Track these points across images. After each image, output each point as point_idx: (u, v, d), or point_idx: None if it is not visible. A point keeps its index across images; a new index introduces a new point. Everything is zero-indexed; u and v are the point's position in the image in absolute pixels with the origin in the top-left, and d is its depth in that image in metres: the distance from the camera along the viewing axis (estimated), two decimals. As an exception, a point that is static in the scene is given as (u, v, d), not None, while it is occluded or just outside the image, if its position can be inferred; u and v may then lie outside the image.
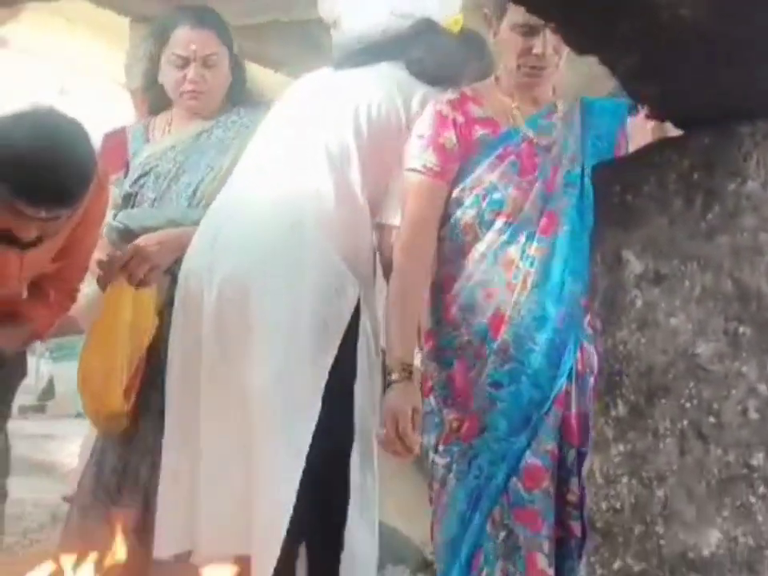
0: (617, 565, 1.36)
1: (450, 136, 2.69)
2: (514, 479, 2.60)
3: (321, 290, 2.71)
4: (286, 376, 2.63)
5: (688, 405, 1.34)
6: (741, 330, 1.33)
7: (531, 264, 2.65)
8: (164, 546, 2.77)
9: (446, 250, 2.71)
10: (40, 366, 8.82)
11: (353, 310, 2.74)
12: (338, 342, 2.69)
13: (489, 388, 2.63)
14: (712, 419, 1.33)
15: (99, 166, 2.89)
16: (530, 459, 2.61)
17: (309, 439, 2.61)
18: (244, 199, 2.84)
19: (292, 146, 2.87)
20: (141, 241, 3.06)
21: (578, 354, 2.66)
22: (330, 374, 2.67)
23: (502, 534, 2.58)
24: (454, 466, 2.61)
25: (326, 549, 2.70)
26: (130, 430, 2.96)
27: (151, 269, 3.00)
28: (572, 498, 2.64)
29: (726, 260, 1.35)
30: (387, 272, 2.80)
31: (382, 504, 2.97)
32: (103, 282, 3.07)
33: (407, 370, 2.58)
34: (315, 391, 2.65)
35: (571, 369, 2.65)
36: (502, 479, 2.60)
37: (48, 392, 8.77)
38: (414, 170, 2.70)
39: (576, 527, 2.62)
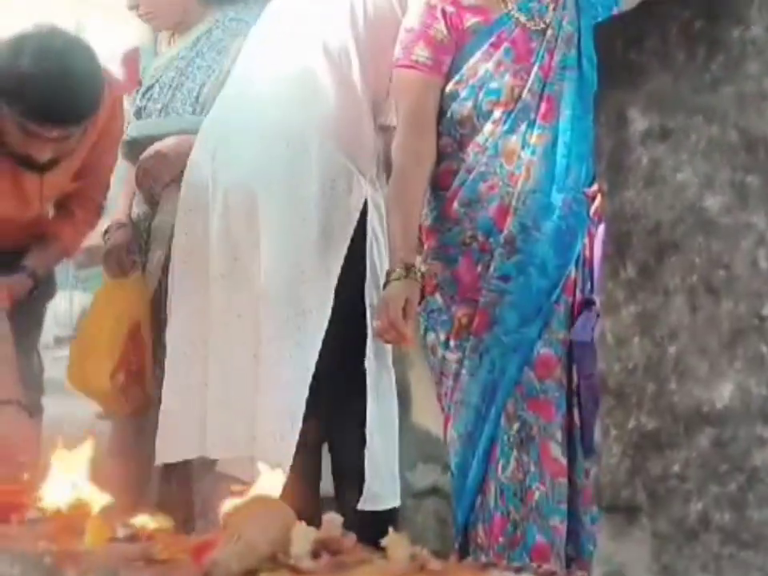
0: (631, 424, 1.35)
1: (440, 27, 2.63)
2: (527, 370, 2.59)
3: (326, 192, 2.68)
4: (296, 279, 2.62)
5: (697, 260, 1.32)
6: (748, 179, 1.30)
7: (533, 152, 2.61)
8: (168, 452, 2.77)
9: (442, 145, 2.67)
10: (73, 297, 8.87)
11: (360, 210, 2.71)
12: (346, 243, 2.68)
13: (497, 281, 2.61)
14: (722, 272, 1.30)
15: (111, 82, 2.88)
16: (542, 349, 2.60)
17: (319, 343, 2.61)
18: (243, 104, 2.80)
19: (290, 47, 2.82)
20: (145, 152, 3.05)
21: (586, 240, 2.64)
22: (341, 274, 2.66)
23: (516, 426, 2.59)
24: (466, 361, 2.61)
25: (348, 448, 2.71)
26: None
27: (154, 179, 2.99)
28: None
29: (731, 110, 1.31)
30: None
31: (413, 405, 2.98)
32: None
33: (408, 269, 2.56)
34: (326, 293, 2.64)
35: (578, 255, 2.62)
36: (515, 371, 2.60)
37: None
38: (405, 65, 2.64)
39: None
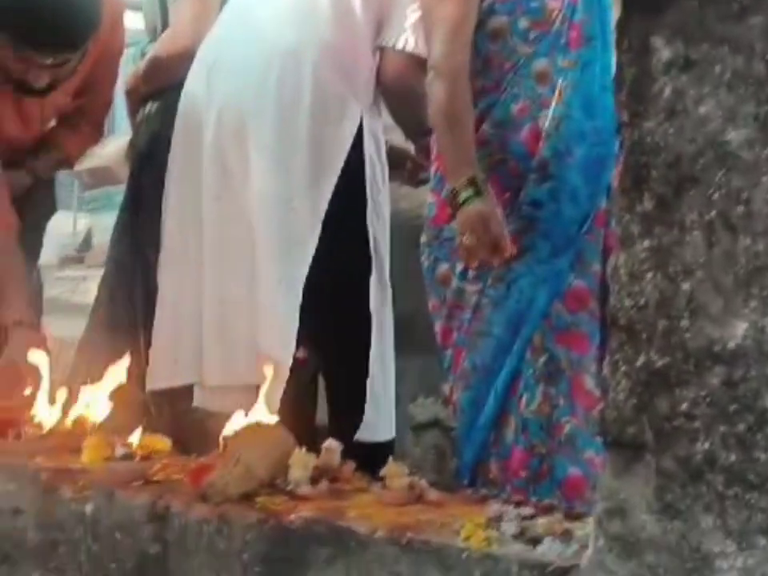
0: (640, 361, 1.32)
1: None
2: (557, 302, 2.51)
3: (318, 115, 2.63)
4: (284, 201, 2.59)
5: (716, 195, 1.29)
6: (772, 114, 1.26)
7: (564, 77, 2.52)
8: (162, 378, 2.75)
9: (472, 61, 2.57)
10: (78, 218, 8.89)
11: (354, 136, 2.65)
12: (338, 167, 2.63)
13: (527, 208, 2.52)
14: (741, 208, 1.27)
15: (110, 2, 2.85)
16: (574, 281, 2.52)
17: (306, 265, 2.57)
18: (240, 23, 2.77)
19: None
20: None
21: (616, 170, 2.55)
22: (337, 201, 2.61)
23: (543, 359, 2.51)
24: (490, 291, 2.53)
25: (346, 379, 2.68)
26: None
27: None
28: None
29: (758, 41, 1.27)
30: (391, 99, 2.68)
31: (414, 337, 2.96)
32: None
33: (482, 184, 2.44)
34: (315, 216, 2.60)
35: (609, 185, 2.54)
36: (543, 302, 2.51)
37: (86, 243, 8.88)
38: None
39: None
